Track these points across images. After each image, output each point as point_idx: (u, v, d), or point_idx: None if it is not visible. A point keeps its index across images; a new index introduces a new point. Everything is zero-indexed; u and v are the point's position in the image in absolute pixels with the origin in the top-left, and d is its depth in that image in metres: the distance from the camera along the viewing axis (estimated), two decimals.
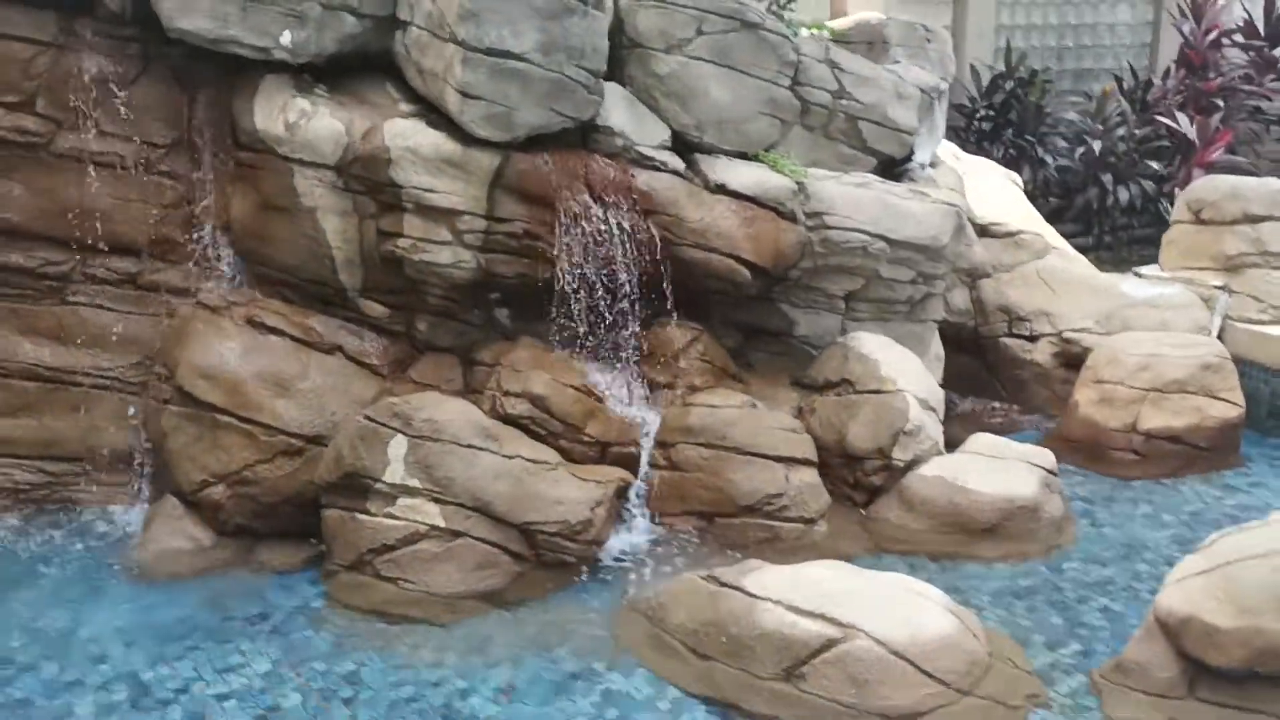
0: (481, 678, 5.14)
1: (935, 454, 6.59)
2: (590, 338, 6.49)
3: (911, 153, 7.61)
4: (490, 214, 6.24)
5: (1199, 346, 7.58)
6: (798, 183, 6.82)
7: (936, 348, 7.82)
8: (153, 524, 6.23)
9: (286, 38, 6.12)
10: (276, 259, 6.45)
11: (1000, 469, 6.45)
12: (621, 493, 6.25)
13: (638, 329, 6.61)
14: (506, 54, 6.00)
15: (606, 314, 6.45)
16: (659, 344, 6.69)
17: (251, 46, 6.17)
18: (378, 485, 5.77)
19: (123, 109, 6.40)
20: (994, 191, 9.15)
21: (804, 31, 7.60)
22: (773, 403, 6.89)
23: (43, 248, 6.48)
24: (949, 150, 9.16)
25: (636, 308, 6.52)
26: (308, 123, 6.19)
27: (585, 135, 6.49)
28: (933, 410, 6.74)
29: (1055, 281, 8.59)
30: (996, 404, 8.45)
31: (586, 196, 6.29)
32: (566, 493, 5.89)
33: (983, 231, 8.80)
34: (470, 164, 6.14)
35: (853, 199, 6.91)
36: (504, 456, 5.84)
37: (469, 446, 5.79)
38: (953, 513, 6.29)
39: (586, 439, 6.32)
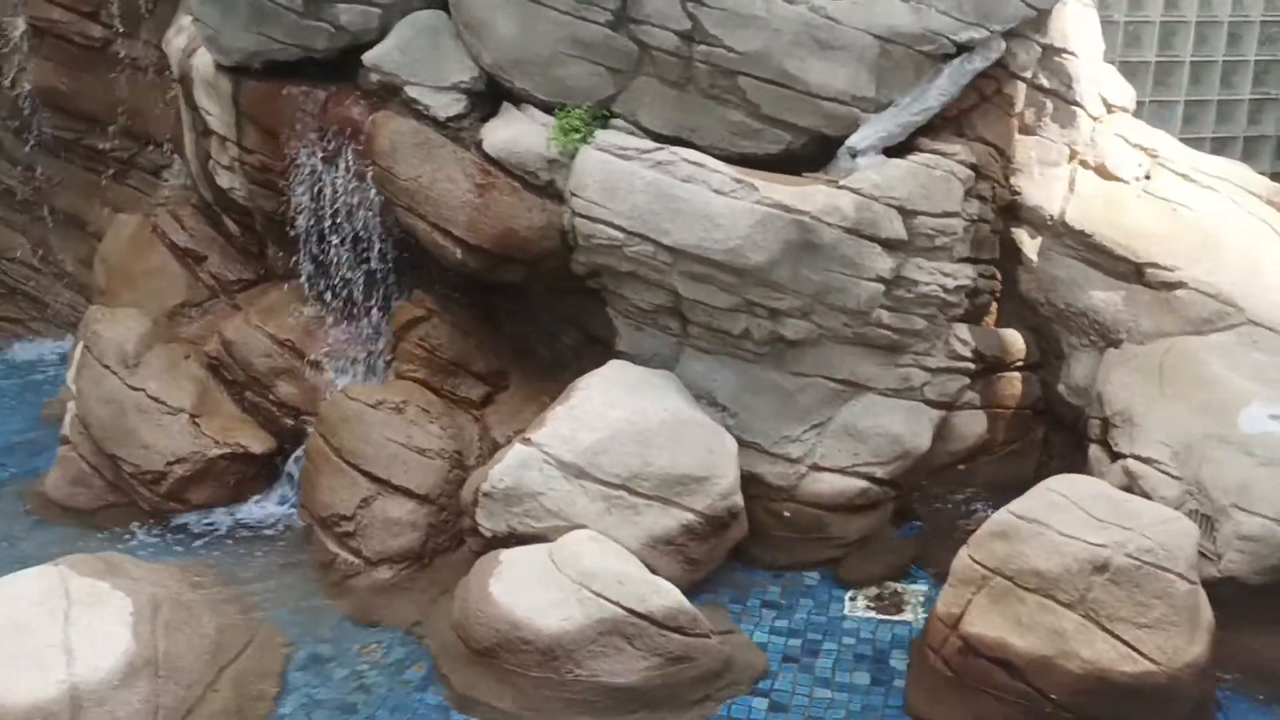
0: None
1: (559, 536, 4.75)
2: (328, 294, 5.88)
3: (856, 128, 5.22)
4: (240, 142, 5.96)
5: (1153, 526, 4.13)
6: (571, 150, 5.22)
7: (863, 419, 5.36)
8: None
9: None
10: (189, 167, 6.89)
11: (551, 580, 4.44)
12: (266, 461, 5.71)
13: (370, 296, 5.78)
14: None
15: (334, 271, 5.77)
16: (393, 319, 5.76)
17: None
18: (68, 382, 6.10)
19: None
20: (1200, 213, 5.59)
21: None
22: (508, 423, 5.53)
23: (115, 135, 7.74)
24: (1140, 138, 5.79)
25: (367, 269, 5.71)
26: (174, 37, 6.48)
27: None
28: (599, 482, 4.80)
29: (1174, 375, 5.16)
30: None
31: (313, 135, 5.65)
32: (155, 440, 5.61)
33: (1137, 275, 5.58)
34: (218, 88, 5.93)
35: (612, 180, 5.08)
36: (129, 386, 5.73)
37: (105, 367, 5.80)
38: (463, 617, 4.54)
39: (272, 399, 5.83)
